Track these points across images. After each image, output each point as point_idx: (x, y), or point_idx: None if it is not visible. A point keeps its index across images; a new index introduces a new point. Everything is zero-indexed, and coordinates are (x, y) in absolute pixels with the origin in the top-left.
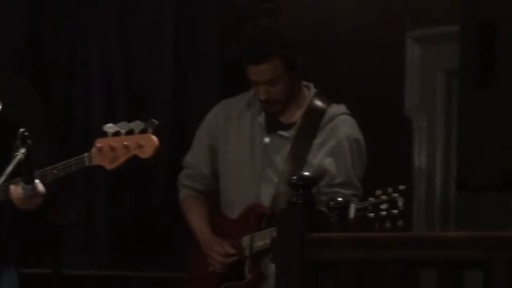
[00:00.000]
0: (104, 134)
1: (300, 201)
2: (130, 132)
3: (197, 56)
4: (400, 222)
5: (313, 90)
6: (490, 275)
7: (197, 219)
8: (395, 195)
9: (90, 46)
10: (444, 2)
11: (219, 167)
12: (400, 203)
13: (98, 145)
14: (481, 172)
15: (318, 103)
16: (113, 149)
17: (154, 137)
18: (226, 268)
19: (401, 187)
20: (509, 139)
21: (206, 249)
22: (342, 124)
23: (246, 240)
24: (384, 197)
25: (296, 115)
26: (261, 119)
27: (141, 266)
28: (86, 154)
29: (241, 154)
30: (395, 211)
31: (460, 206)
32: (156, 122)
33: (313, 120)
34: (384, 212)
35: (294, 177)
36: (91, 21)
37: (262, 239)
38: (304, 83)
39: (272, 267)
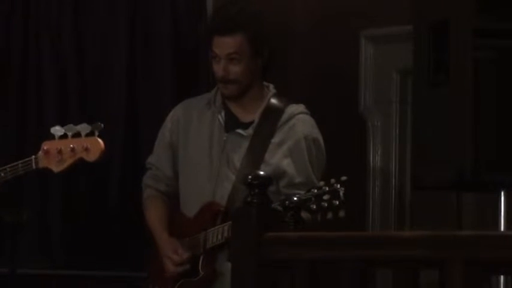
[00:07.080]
0: (52, 137)
1: (255, 201)
2: (77, 135)
3: (151, 54)
4: (342, 213)
5: (273, 90)
6: (445, 274)
7: (155, 220)
8: (337, 185)
9: (43, 43)
10: (397, 1)
11: (178, 166)
12: (341, 193)
13: (45, 148)
14: (435, 171)
15: (276, 102)
16: (59, 151)
17: (100, 141)
18: (180, 271)
19: (343, 178)
20: (462, 139)
21: (161, 254)
22: (300, 124)
23: (201, 236)
24: (326, 188)
25: (255, 114)
26: (221, 117)
27: (97, 265)
28: (33, 157)
29: (200, 152)
30: (336, 202)
31: (415, 206)
32: (102, 125)
33: (271, 119)
34: (326, 203)
35: (250, 177)
36: (44, 18)
37: (215, 235)
38: (265, 83)
39: (228, 264)
